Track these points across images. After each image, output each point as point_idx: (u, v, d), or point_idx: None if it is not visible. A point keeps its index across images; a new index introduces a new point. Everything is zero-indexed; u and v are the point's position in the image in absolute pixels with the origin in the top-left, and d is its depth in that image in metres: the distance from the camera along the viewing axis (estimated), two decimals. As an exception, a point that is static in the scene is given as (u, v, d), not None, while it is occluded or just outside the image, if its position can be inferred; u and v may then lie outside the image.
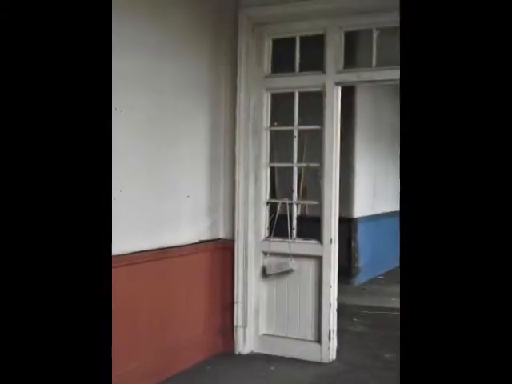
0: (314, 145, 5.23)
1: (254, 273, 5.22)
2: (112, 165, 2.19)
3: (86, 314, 1.95)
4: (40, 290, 1.92)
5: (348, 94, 6.76)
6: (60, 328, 1.93)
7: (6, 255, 1.90)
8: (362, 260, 8.64)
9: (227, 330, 5.25)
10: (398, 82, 2.06)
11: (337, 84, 4.91)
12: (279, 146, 5.40)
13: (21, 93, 1.92)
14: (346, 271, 8.20)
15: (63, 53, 1.95)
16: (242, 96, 5.11)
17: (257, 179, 5.21)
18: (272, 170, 5.47)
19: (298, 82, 5.05)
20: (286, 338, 5.15)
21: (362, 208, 8.63)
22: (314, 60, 5.06)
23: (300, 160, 5.17)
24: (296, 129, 5.11)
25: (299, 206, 5.27)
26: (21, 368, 1.89)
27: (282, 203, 5.21)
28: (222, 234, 5.31)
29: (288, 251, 5.07)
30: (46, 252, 1.93)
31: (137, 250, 4.30)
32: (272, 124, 5.21)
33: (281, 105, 5.23)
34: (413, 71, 1.94)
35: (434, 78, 1.92)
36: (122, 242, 4.06)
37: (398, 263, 7.36)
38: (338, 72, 4.91)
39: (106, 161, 2.04)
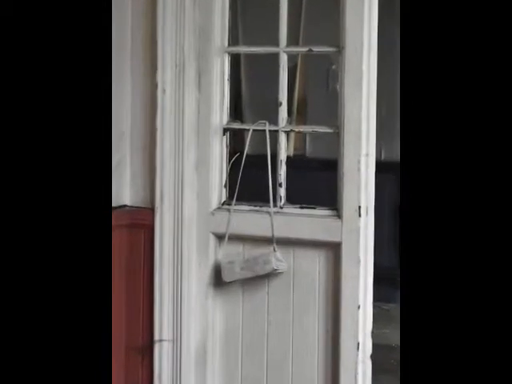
0: (321, 9, 5.85)
1: (195, 279, 4.69)
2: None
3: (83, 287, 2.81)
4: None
5: None
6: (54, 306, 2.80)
7: None
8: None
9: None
10: None
11: None
12: (249, 9, 5.93)
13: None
14: (392, 275, 7.34)
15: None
16: None
17: (202, 80, 4.67)
18: (235, 59, 5.79)
19: None
20: (264, 415, 4.56)
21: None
22: None
23: (293, 40, 5.59)
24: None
25: (291, 136, 6.01)
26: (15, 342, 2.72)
27: (256, 131, 4.65)
28: (128, 198, 4.88)
29: (269, 233, 4.47)
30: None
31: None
32: (236, -38, 5.06)
33: None
34: None
35: None
36: None
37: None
38: None
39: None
